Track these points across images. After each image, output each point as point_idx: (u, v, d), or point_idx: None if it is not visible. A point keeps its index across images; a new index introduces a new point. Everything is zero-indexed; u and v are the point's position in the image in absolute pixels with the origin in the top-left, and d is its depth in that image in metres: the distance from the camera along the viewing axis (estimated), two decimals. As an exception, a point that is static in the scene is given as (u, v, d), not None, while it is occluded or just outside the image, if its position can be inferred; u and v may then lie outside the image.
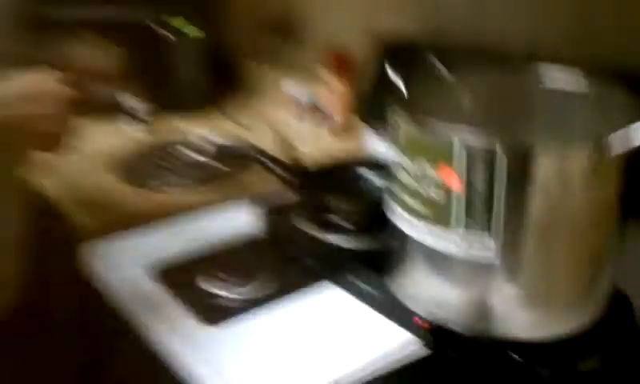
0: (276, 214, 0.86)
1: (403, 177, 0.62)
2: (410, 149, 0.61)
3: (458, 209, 0.58)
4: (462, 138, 0.56)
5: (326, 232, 0.77)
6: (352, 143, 1.15)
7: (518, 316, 0.60)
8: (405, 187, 0.62)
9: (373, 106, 1.07)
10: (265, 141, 0.93)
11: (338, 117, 1.20)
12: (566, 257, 0.59)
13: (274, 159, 0.86)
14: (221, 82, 1.36)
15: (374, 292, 0.70)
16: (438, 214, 0.59)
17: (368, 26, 1.14)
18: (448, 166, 0.57)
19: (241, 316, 0.69)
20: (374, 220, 0.71)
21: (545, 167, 0.55)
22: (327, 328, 0.68)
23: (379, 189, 0.77)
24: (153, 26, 1.26)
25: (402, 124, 0.62)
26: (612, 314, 0.64)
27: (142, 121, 1.21)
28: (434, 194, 0.59)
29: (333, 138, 1.20)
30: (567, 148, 0.56)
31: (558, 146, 0.56)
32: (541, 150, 0.55)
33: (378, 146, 1.03)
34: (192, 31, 1.29)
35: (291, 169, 0.85)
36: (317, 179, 0.86)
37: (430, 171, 0.59)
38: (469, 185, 0.57)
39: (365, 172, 0.87)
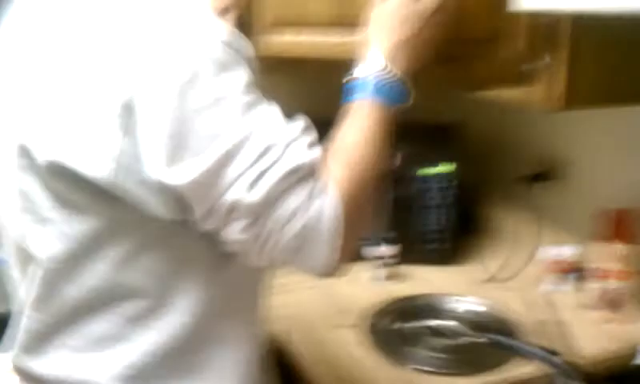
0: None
1: None
2: None
3: None
4: None
5: None
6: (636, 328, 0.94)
7: None
8: None
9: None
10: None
11: (616, 287, 1.00)
12: None
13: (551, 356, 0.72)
14: (461, 225, 1.22)
15: None
16: None
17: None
18: None
19: None
20: None
21: None
22: None
23: None
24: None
25: None
26: None
27: (386, 265, 1.11)
28: None
29: (609, 318, 0.98)
30: None
31: None
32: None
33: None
34: (441, 168, 1.18)
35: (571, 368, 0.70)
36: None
37: None
38: None
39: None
